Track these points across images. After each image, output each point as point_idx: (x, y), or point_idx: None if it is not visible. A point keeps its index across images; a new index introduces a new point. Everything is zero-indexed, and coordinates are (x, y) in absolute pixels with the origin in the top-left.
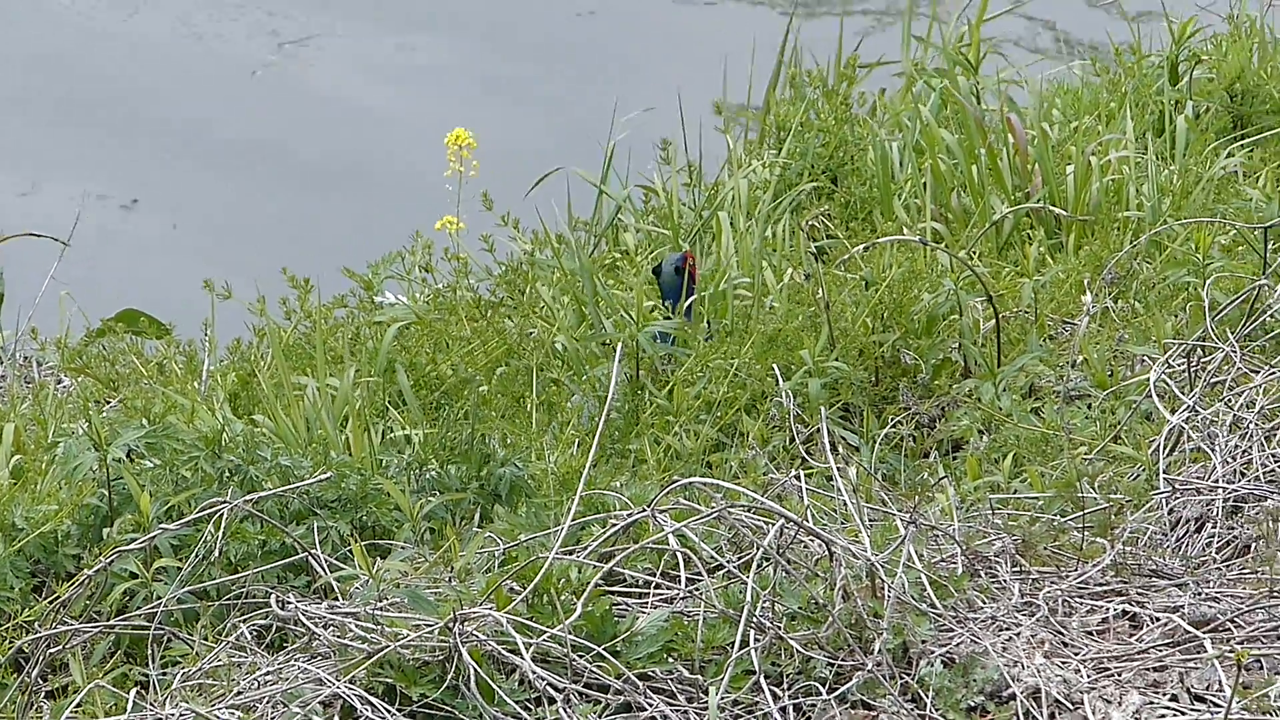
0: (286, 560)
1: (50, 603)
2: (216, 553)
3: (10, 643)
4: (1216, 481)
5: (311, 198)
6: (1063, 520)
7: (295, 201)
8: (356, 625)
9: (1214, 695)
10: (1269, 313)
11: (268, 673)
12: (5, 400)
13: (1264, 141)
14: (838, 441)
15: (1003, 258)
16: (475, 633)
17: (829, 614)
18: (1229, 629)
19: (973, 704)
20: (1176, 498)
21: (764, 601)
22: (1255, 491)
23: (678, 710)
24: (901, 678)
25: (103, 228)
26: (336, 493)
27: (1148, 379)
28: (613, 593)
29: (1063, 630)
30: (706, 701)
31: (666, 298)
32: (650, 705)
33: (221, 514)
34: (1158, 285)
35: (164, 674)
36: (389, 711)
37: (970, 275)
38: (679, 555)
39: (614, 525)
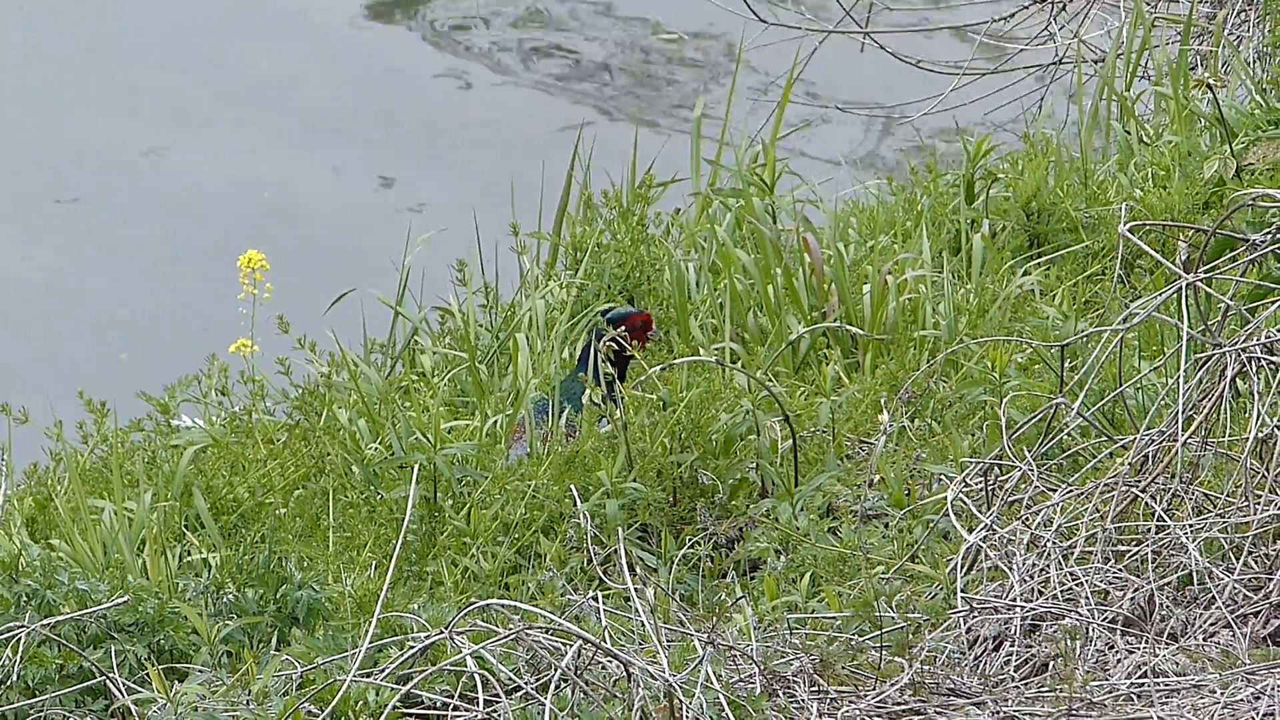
0: (84, 684)
1: None
2: (14, 677)
3: None
4: (1014, 600)
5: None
6: (860, 640)
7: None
8: None
9: None
10: (1065, 431)
11: None
12: None
13: (1060, 260)
14: (635, 562)
15: (800, 377)
16: None
17: None
18: None
19: None
20: (974, 616)
21: None
22: (1053, 610)
23: None
24: None
25: None
26: (134, 616)
27: (945, 498)
28: (411, 715)
29: None
30: None
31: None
32: None
33: (18, 638)
34: (954, 404)
35: None
36: None
37: (767, 395)
38: (477, 677)
39: (412, 647)
